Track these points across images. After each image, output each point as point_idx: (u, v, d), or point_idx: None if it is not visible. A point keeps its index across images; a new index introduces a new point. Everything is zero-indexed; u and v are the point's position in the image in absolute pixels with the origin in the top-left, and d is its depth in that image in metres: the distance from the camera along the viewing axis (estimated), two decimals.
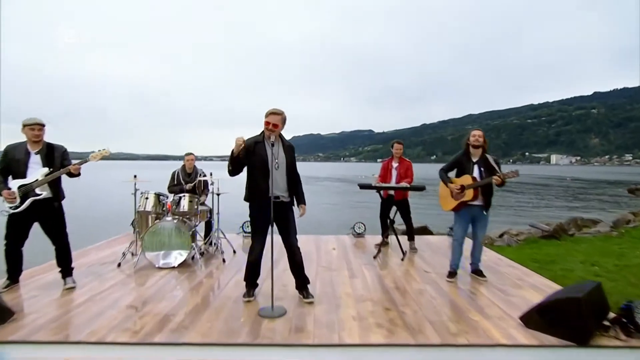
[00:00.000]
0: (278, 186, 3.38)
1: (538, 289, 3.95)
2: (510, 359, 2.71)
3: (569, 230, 11.04)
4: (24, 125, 3.53)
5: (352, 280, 4.23)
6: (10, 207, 3.46)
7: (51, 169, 3.56)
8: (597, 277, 5.80)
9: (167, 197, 4.94)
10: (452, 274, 4.28)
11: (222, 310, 3.30)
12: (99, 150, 3.61)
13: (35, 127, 3.54)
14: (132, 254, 4.85)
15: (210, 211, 5.39)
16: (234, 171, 3.34)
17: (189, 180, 5.58)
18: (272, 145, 3.28)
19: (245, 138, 3.41)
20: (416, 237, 5.98)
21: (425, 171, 20.11)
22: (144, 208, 4.73)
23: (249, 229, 6.17)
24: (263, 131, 3.46)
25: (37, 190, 3.50)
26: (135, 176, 4.80)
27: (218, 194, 5.24)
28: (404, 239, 5.63)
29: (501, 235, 10.58)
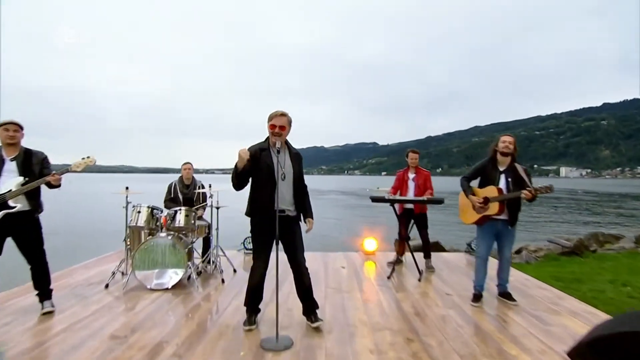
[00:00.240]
0: (284, 199, 3.06)
1: (578, 315, 3.55)
2: None
3: (590, 247, 10.60)
4: None
5: (366, 305, 3.85)
6: None
7: (27, 179, 3.23)
8: (631, 298, 5.40)
9: (162, 211, 4.61)
10: (478, 297, 3.90)
11: (220, 341, 2.94)
12: (83, 159, 3.29)
13: (10, 128, 3.21)
14: (123, 274, 4.51)
15: (209, 226, 5.06)
16: (239, 185, 3.05)
17: (186, 193, 5.27)
18: (278, 152, 2.96)
19: (249, 147, 3.12)
20: (431, 255, 5.60)
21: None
22: (136, 223, 4.40)
23: (250, 246, 5.82)
24: (268, 137, 3.15)
25: (11, 203, 3.14)
26: (127, 188, 4.49)
27: (217, 208, 4.92)
28: (418, 256, 5.25)
29: (519, 252, 10.14)
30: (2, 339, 2.91)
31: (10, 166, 3.22)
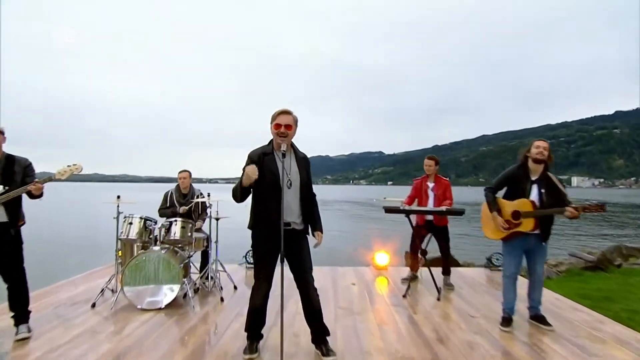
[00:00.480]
0: (290, 209, 2.75)
1: (626, 344, 3.17)
2: None
3: (615, 261, 10.12)
4: None
5: (381, 329, 3.49)
6: None
7: (7, 187, 2.96)
8: None
9: (156, 222, 4.30)
10: (508, 320, 3.52)
11: None
12: (69, 166, 3.00)
13: None
14: (113, 291, 4.20)
15: (208, 239, 4.74)
16: (241, 199, 2.77)
17: (183, 202, 4.97)
18: (283, 156, 2.65)
19: (250, 151, 2.82)
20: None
21: None
22: (127, 235, 4.09)
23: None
24: (271, 140, 2.85)
25: None
26: (118, 197, 4.20)
27: (217, 219, 4.61)
28: (435, 271, 4.88)
29: None
30: None
31: None
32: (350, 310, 3.99)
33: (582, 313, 3.97)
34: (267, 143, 2.89)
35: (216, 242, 4.67)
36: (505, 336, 3.34)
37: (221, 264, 4.82)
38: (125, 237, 4.09)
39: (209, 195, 4.58)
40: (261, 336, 2.99)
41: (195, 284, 4.57)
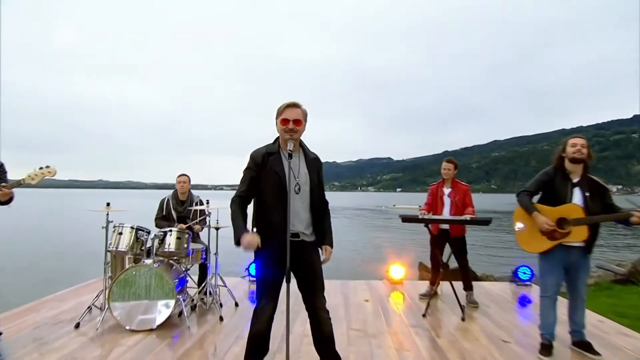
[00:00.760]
0: (299, 218, 2.40)
1: None
2: None
3: None
4: None
5: (401, 355, 3.12)
6: None
7: None
8: None
9: (149, 232, 3.98)
10: (548, 347, 3.13)
11: None
12: (41, 169, 2.70)
13: None
14: (101, 309, 3.88)
15: (206, 250, 4.41)
16: None
17: (181, 210, 4.66)
18: (290, 156, 2.31)
19: (253, 151, 2.50)
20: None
21: None
22: (116, 246, 3.78)
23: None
24: (277, 139, 2.53)
25: None
26: (108, 204, 3.89)
27: (217, 228, 4.29)
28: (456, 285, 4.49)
29: None
30: None
31: None
32: (364, 332, 3.62)
33: (632, 339, 3.55)
34: (272, 141, 2.57)
35: (216, 253, 4.35)
36: None
37: (221, 278, 4.49)
38: (114, 248, 3.78)
39: (207, 203, 4.26)
40: None
41: (193, 300, 4.25)
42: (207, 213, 4.33)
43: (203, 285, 4.32)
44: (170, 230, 3.93)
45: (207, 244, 4.46)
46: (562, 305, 3.43)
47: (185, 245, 3.97)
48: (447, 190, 4.62)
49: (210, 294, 4.26)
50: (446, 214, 4.52)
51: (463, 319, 4.01)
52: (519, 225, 3.22)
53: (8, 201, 2.69)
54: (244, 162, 2.54)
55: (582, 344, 3.15)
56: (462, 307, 4.16)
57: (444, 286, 4.90)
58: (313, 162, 2.52)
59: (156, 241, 3.91)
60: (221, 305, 4.26)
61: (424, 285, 5.39)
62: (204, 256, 4.39)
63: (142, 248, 3.87)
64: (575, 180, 3.09)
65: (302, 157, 2.51)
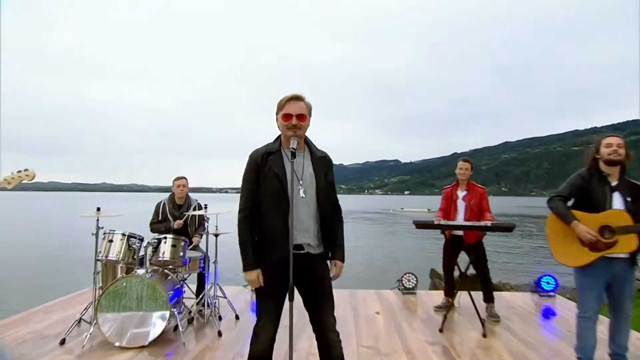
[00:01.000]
0: (303, 226, 2.14)
1: None
2: None
3: None
4: None
5: None
6: None
7: None
8: None
9: (142, 240, 3.74)
10: None
11: None
12: (18, 172, 2.47)
13: None
14: (91, 323, 3.65)
15: (204, 259, 4.17)
16: None
17: (178, 215, 4.43)
18: (294, 155, 2.06)
19: (252, 151, 2.26)
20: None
21: None
22: (106, 255, 3.55)
23: None
24: (279, 137, 2.28)
25: None
26: (98, 209, 3.67)
27: (216, 235, 4.06)
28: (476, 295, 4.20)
29: None
30: None
31: None
32: (376, 351, 3.35)
33: None
34: (273, 140, 2.32)
35: (215, 262, 4.13)
36: None
37: (220, 289, 4.26)
38: (104, 257, 3.55)
39: (205, 207, 4.03)
40: None
41: (190, 312, 4.01)
42: (205, 219, 4.10)
43: (201, 296, 4.08)
44: (165, 238, 3.69)
45: (205, 251, 4.23)
46: (601, 323, 3.13)
47: (181, 254, 3.73)
48: (461, 194, 4.34)
49: (208, 305, 4.02)
50: (460, 219, 4.24)
51: (484, 335, 3.72)
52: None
53: None
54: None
55: None
56: (482, 321, 3.88)
57: (461, 296, 4.61)
58: (320, 161, 2.25)
59: (149, 249, 3.67)
60: (220, 318, 4.03)
61: (439, 296, 5.11)
62: (202, 265, 4.15)
63: (134, 257, 3.64)
64: (613, 183, 2.80)
65: (307, 156, 2.25)
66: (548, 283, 5.16)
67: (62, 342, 3.34)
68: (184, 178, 4.52)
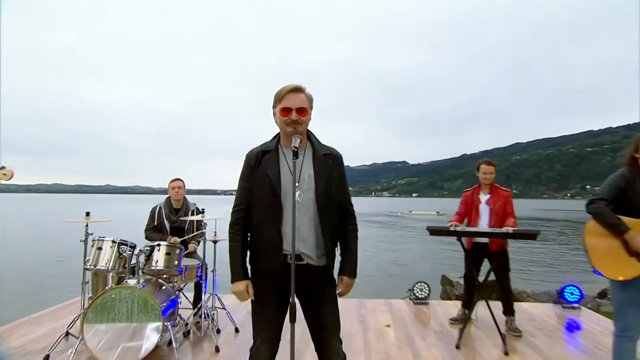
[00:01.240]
0: (300, 236, 1.89)
1: None
2: None
3: None
4: None
5: None
6: None
7: None
8: None
9: (134, 247, 3.53)
10: None
11: None
12: None
13: None
14: (78, 337, 3.45)
15: (202, 267, 3.96)
16: None
17: (175, 220, 4.23)
18: (296, 155, 1.83)
19: (248, 152, 2.07)
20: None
21: None
22: (95, 264, 3.34)
23: None
24: (277, 134, 2.06)
25: None
26: (87, 213, 3.48)
27: (214, 241, 3.85)
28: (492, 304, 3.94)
29: (602, 296, 8.54)
30: None
31: None
32: None
33: None
34: (272, 138, 2.10)
35: (213, 270, 3.91)
36: None
37: (219, 299, 4.04)
38: (92, 266, 3.34)
39: (203, 212, 3.82)
40: None
41: (186, 325, 3.80)
42: (203, 225, 3.89)
43: (197, 308, 3.87)
44: (159, 245, 3.48)
45: (202, 259, 4.02)
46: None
47: (176, 262, 3.52)
48: (484, 197, 4.09)
49: (206, 317, 3.81)
50: (484, 224, 4.00)
51: (506, 353, 3.47)
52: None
53: None
54: None
55: None
56: (502, 337, 3.62)
57: (478, 308, 4.35)
58: (323, 161, 1.99)
59: (142, 257, 3.46)
60: (218, 331, 3.82)
61: (453, 306, 4.87)
62: (199, 273, 3.94)
63: (125, 266, 3.43)
64: None
65: (308, 154, 2.01)
66: (572, 294, 4.88)
67: (46, 358, 3.13)
68: (180, 180, 4.32)
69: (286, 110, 1.90)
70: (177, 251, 3.55)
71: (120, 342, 3.12)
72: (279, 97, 1.93)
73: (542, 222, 39.45)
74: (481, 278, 4.04)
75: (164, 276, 3.61)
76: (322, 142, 2.10)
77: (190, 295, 4.32)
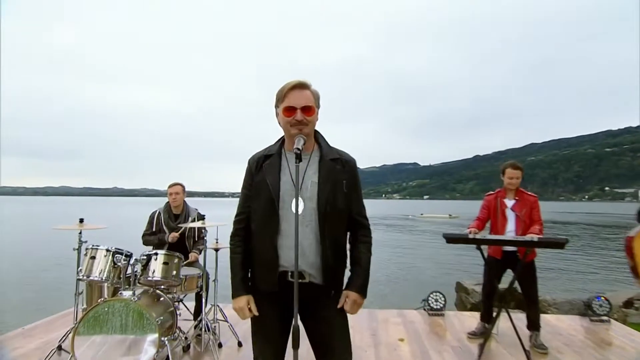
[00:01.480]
0: (301, 250, 1.67)
1: None
2: None
3: None
4: None
5: None
6: None
7: None
8: None
9: (130, 256, 3.37)
10: None
11: None
12: None
13: None
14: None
15: (203, 276, 3.80)
16: None
17: (174, 226, 4.08)
18: (299, 158, 1.64)
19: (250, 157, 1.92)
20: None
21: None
22: (88, 274, 3.19)
23: None
24: (282, 138, 1.88)
25: None
26: (81, 220, 3.33)
27: (216, 249, 3.68)
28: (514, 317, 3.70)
29: (628, 305, 8.22)
30: None
31: None
32: None
33: None
34: (275, 142, 1.92)
35: (215, 280, 3.75)
36: None
37: (221, 311, 3.88)
38: (85, 276, 3.19)
39: (204, 218, 3.66)
40: None
41: (186, 338, 3.63)
42: (204, 233, 3.74)
43: (198, 320, 3.70)
44: (156, 254, 3.32)
45: (203, 267, 3.86)
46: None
47: (175, 272, 3.36)
48: (510, 202, 3.87)
49: (207, 329, 3.64)
50: (511, 232, 3.78)
51: None
52: None
53: None
54: None
55: None
56: (527, 354, 3.39)
57: (500, 320, 4.13)
58: (330, 166, 1.79)
59: (138, 267, 3.30)
60: (220, 345, 3.65)
61: (471, 318, 4.64)
62: (200, 283, 3.78)
63: (121, 276, 3.28)
64: None
65: (314, 159, 1.81)
66: (601, 306, 4.61)
67: None
68: (179, 185, 4.17)
69: (290, 110, 1.71)
70: (176, 261, 3.39)
71: (115, 357, 2.96)
72: (281, 95, 1.75)
73: (558, 226, 38.75)
74: (502, 286, 3.82)
75: (162, 287, 3.45)
76: (333, 146, 1.92)
77: (191, 305, 4.17)
